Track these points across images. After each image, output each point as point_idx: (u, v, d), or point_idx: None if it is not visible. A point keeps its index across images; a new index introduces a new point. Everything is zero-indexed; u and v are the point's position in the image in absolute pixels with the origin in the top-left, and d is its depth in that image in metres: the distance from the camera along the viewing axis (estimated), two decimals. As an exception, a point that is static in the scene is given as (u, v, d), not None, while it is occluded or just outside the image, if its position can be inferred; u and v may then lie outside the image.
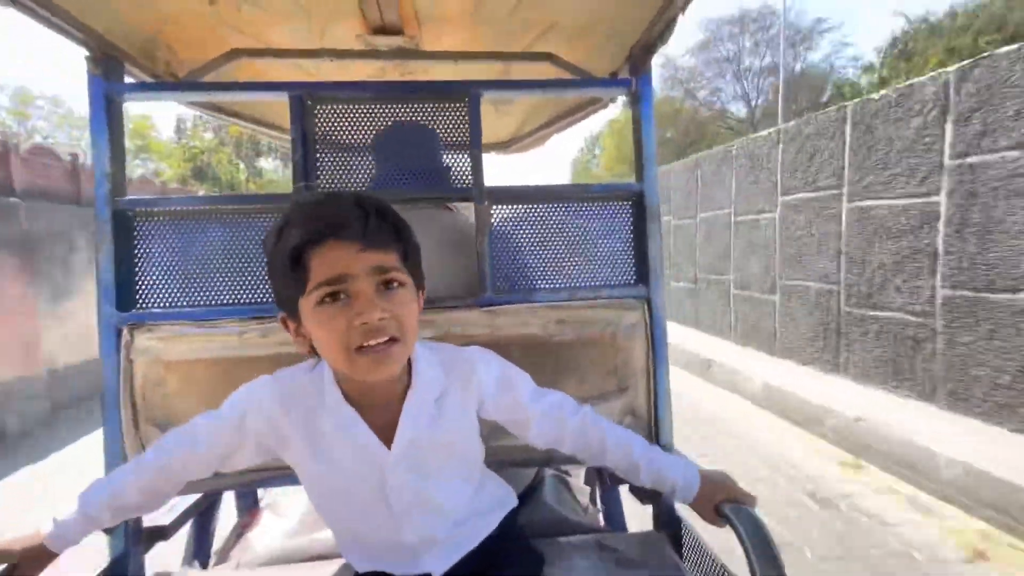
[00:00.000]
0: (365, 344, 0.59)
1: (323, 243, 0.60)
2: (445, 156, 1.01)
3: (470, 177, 0.97)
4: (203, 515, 1.13)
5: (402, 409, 0.68)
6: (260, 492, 1.41)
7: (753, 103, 19.58)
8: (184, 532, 1.08)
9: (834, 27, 20.55)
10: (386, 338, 0.60)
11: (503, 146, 1.87)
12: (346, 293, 0.60)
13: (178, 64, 1.13)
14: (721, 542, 0.83)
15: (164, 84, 1.06)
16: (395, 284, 0.62)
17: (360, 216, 0.61)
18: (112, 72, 0.91)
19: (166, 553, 1.01)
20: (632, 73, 1.02)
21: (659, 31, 0.94)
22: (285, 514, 1.20)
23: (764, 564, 0.65)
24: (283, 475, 0.88)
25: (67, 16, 0.83)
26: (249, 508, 1.35)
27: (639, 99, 1.00)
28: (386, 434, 0.68)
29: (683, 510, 0.95)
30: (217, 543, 1.19)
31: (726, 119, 19.83)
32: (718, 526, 0.74)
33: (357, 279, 0.60)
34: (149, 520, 0.94)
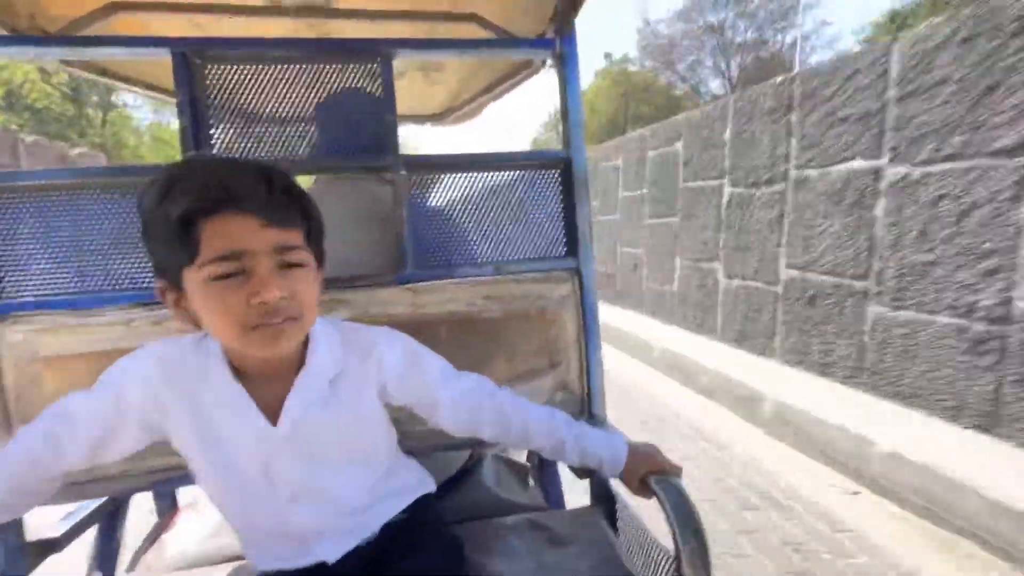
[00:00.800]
0: (261, 323, 0.55)
1: (219, 213, 0.54)
2: (363, 124, 0.92)
3: (385, 145, 0.90)
4: (108, 520, 1.03)
5: (292, 387, 0.64)
6: (181, 492, 1.32)
7: (732, 79, 18.66)
8: (87, 541, 0.99)
9: (814, 5, 19.90)
10: (283, 318, 0.56)
11: (438, 117, 1.78)
12: (242, 270, 0.54)
13: (46, 19, 0.98)
14: (657, 512, 0.83)
15: (24, 38, 0.91)
16: (294, 263, 0.58)
17: (264, 187, 0.55)
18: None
19: (63, 566, 0.92)
20: (557, 34, 0.96)
21: None
22: (205, 513, 1.13)
23: (687, 535, 0.64)
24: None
25: None
26: (167, 509, 1.25)
27: (564, 61, 0.95)
28: (273, 413, 0.63)
29: (619, 485, 0.94)
30: (130, 551, 1.10)
31: (703, 95, 18.97)
32: (645, 498, 0.73)
33: (256, 256, 0.54)
34: (36, 533, 0.85)
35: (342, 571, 0.68)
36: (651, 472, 0.73)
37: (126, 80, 1.22)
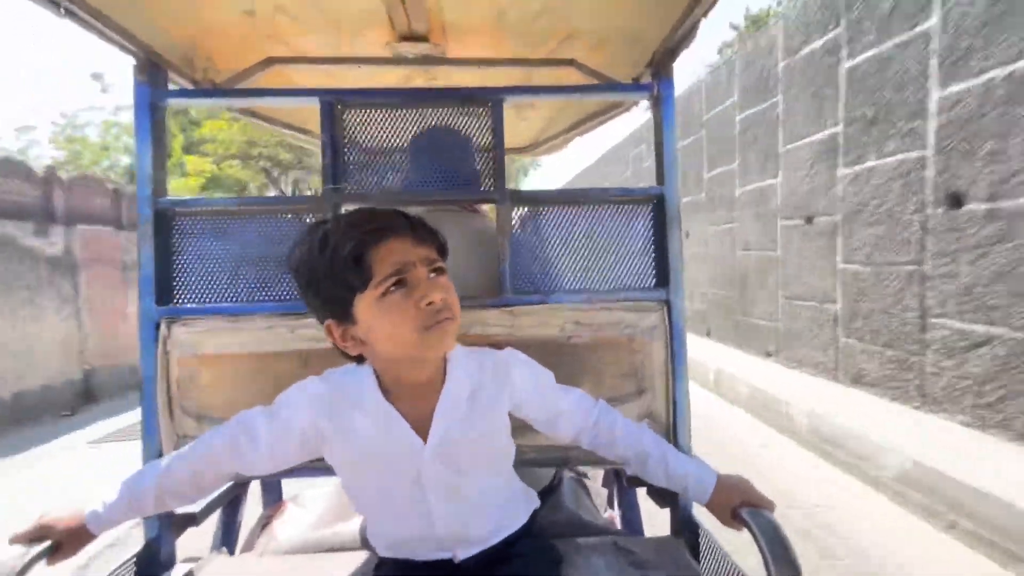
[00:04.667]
0: (433, 322, 0.66)
1: (383, 241, 0.66)
2: (470, 161, 1.03)
3: (493, 180, 0.99)
4: (230, 505, 1.17)
5: (437, 403, 0.72)
6: (284, 486, 1.45)
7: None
8: (212, 521, 1.12)
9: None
10: (445, 317, 0.67)
11: (524, 150, 1.89)
12: (405, 281, 0.66)
13: (215, 72, 1.18)
14: (739, 550, 0.83)
15: (203, 90, 1.11)
16: (440, 271, 0.70)
17: (404, 218, 0.70)
18: (156, 79, 0.96)
19: (195, 539, 1.05)
20: (654, 77, 1.03)
21: (682, 35, 0.95)
22: (308, 507, 1.24)
23: (782, 569, 0.64)
24: (308, 467, 0.91)
25: (116, 27, 0.88)
26: (274, 501, 1.39)
27: (661, 103, 1.01)
28: (422, 428, 0.72)
29: (701, 516, 0.95)
30: (243, 533, 1.23)
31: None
32: (735, 529, 0.74)
33: (414, 266, 0.67)
34: (180, 507, 0.98)
35: (464, 569, 0.74)
36: (743, 504, 0.74)
37: (270, 120, 1.42)
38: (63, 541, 0.70)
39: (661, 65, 1.02)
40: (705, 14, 0.90)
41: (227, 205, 0.95)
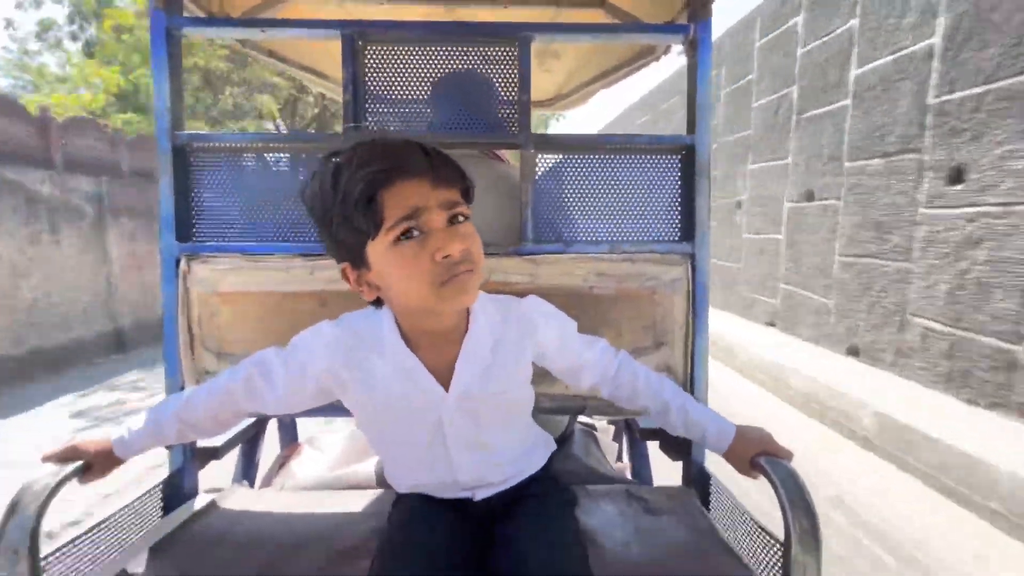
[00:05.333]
0: (449, 276, 0.61)
1: (395, 182, 0.60)
2: (495, 104, 0.99)
3: (518, 123, 0.96)
4: (250, 442, 1.20)
5: (459, 354, 0.70)
6: (299, 427, 1.49)
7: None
8: (232, 455, 1.16)
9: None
10: (464, 269, 0.62)
11: (547, 103, 1.83)
12: (419, 228, 0.61)
13: (231, 2, 1.14)
14: (749, 504, 0.83)
15: (221, 20, 1.07)
16: (462, 217, 0.64)
17: (423, 154, 0.62)
18: (172, 6, 0.93)
19: (217, 473, 1.09)
20: (691, 19, 0.97)
21: None
22: (324, 448, 1.27)
23: (799, 515, 0.65)
24: (326, 407, 0.92)
25: None
26: (290, 441, 1.42)
27: (696, 47, 0.95)
28: (443, 377, 0.70)
29: (712, 467, 0.95)
30: (260, 471, 1.27)
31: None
32: (752, 477, 0.74)
33: (430, 211, 0.61)
34: (202, 441, 1.01)
35: (482, 508, 0.75)
36: (761, 453, 0.74)
37: (286, 60, 1.37)
38: (93, 462, 0.72)
39: (698, 5, 0.96)
40: None
41: (246, 141, 0.93)
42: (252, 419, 1.13)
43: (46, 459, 0.70)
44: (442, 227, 0.62)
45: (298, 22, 0.97)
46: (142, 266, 5.79)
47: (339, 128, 0.98)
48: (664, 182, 0.98)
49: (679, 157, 0.98)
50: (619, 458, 1.39)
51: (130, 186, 5.75)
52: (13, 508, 0.63)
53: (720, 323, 4.90)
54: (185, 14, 0.97)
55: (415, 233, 0.61)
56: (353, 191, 0.60)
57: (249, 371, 0.73)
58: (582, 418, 1.34)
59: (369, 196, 0.60)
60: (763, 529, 0.76)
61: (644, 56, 1.34)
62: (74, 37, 10.81)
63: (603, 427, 1.46)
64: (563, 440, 1.19)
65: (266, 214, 0.95)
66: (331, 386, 0.72)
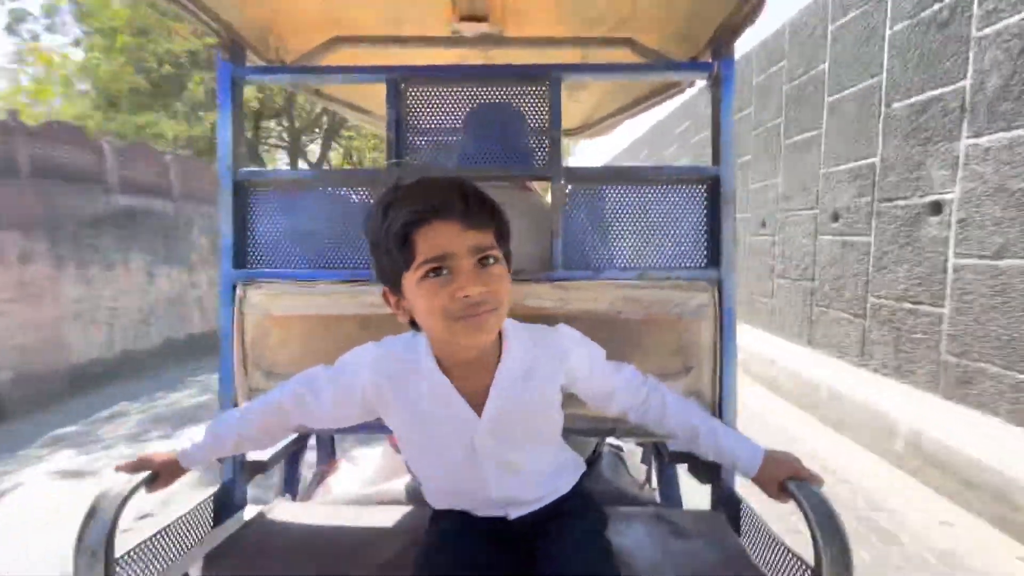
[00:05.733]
0: (465, 314, 0.65)
1: (428, 223, 0.65)
2: (526, 138, 1.05)
3: (548, 157, 1.02)
4: (292, 457, 1.26)
5: (493, 380, 0.74)
6: (337, 445, 1.55)
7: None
8: (276, 470, 1.22)
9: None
10: (484, 310, 0.65)
11: (574, 132, 1.90)
12: (448, 269, 0.65)
13: (286, 51, 1.25)
14: (779, 528, 0.84)
15: (279, 68, 1.17)
16: (491, 260, 0.67)
17: (460, 198, 0.66)
18: (236, 57, 1.03)
19: (263, 486, 1.15)
20: (714, 56, 1.02)
21: (748, 10, 0.93)
22: (360, 465, 1.32)
23: (829, 540, 0.65)
24: (362, 424, 0.98)
25: (205, 8, 0.95)
26: (327, 458, 1.48)
27: (721, 83, 1.00)
28: (476, 401, 0.74)
29: (743, 491, 0.96)
30: (301, 485, 1.33)
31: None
32: (782, 502, 0.75)
33: (458, 257, 0.65)
34: (250, 456, 1.07)
35: (516, 526, 0.78)
36: (790, 478, 0.75)
37: (333, 100, 1.48)
38: (160, 472, 0.78)
39: (723, 43, 1.01)
40: None
41: (297, 176, 1.02)
42: (295, 435, 1.19)
43: (119, 469, 0.77)
44: (469, 269, 0.65)
45: (348, 68, 1.06)
46: (41, 296, 4.09)
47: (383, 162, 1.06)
48: (690, 211, 1.01)
49: (705, 187, 1.01)
50: (647, 480, 1.39)
51: (28, 189, 4.02)
52: (92, 513, 0.69)
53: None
54: (247, 63, 1.08)
55: (443, 271, 0.65)
56: (393, 227, 0.66)
57: (300, 387, 0.79)
58: (611, 440, 1.36)
59: (404, 235, 0.65)
60: (794, 554, 0.76)
61: (667, 89, 1.39)
62: (51, 30, 10.18)
63: (632, 449, 1.47)
64: (592, 462, 1.20)
65: (313, 243, 1.03)
66: (374, 403, 0.77)
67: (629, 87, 1.51)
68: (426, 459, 0.81)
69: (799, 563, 0.75)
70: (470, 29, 1.18)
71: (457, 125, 1.05)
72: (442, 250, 0.64)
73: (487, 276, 0.66)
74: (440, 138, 1.04)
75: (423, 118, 1.04)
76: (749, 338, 4.59)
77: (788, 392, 3.74)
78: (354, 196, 1.04)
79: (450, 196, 0.66)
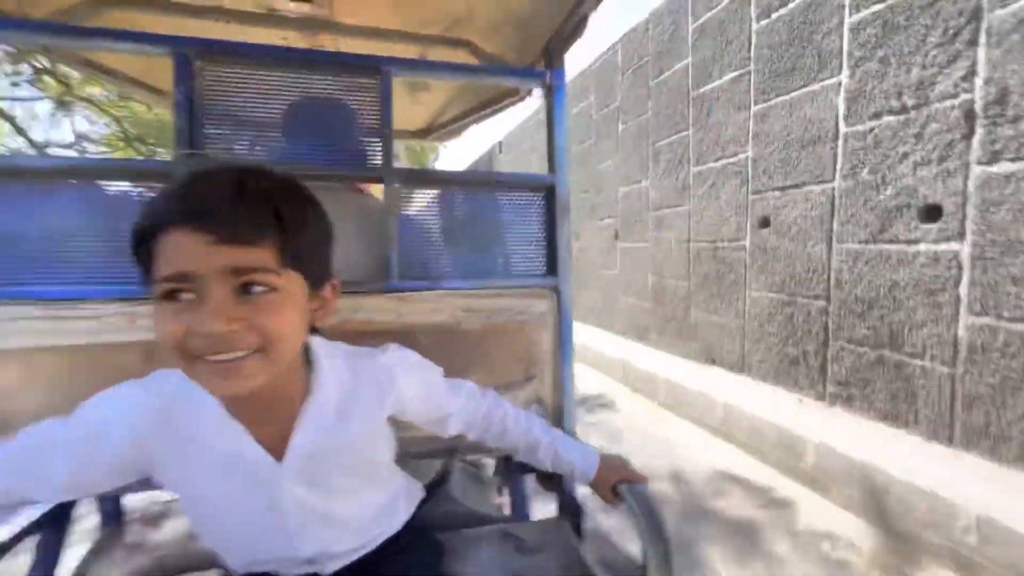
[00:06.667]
0: (207, 357, 0.48)
1: (169, 230, 0.47)
2: (357, 135, 0.95)
3: (380, 158, 0.93)
4: (53, 525, 0.97)
5: (298, 419, 0.60)
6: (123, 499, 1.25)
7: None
8: (28, 547, 0.92)
9: None
10: (237, 353, 0.49)
11: (420, 134, 1.83)
12: (194, 292, 0.48)
13: (31, 3, 0.97)
14: (624, 526, 0.87)
15: (20, 22, 0.89)
16: (259, 287, 0.49)
17: (229, 197, 0.48)
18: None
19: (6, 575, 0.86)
20: (547, 66, 1.03)
21: (571, 28, 0.96)
22: (152, 524, 1.08)
23: (652, 538, 0.69)
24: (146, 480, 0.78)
25: None
26: (113, 517, 1.18)
27: (553, 92, 1.01)
28: (277, 446, 0.60)
29: (584, 498, 0.98)
30: (75, 559, 1.03)
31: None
32: (614, 504, 0.77)
33: (205, 278, 0.47)
34: None
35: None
36: (621, 480, 0.77)
37: (108, 72, 1.19)
38: None
39: (554, 54, 1.03)
40: (595, 7, 0.92)
41: (39, 164, 0.78)
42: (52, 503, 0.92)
43: None
44: (221, 297, 0.47)
45: (124, 33, 0.85)
46: None
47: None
48: (528, 218, 1.01)
49: (542, 195, 1.02)
50: (500, 492, 1.37)
51: None
52: None
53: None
54: None
55: (183, 295, 0.48)
56: (136, 225, 0.49)
57: (19, 456, 0.57)
58: (462, 455, 1.31)
59: (140, 239, 0.49)
60: (626, 554, 0.79)
61: (510, 96, 1.39)
62: None
63: (487, 462, 1.44)
64: (440, 481, 1.14)
65: (68, 252, 0.80)
66: (135, 464, 0.59)
67: (470, 92, 1.48)
68: (216, 520, 0.65)
69: (631, 562, 0.77)
70: (290, 8, 1.05)
71: (271, 116, 0.91)
72: (181, 268, 0.47)
73: (249, 308, 0.48)
74: (247, 129, 0.88)
75: (224, 103, 0.87)
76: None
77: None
78: (133, 194, 0.84)
79: (215, 193, 0.48)
